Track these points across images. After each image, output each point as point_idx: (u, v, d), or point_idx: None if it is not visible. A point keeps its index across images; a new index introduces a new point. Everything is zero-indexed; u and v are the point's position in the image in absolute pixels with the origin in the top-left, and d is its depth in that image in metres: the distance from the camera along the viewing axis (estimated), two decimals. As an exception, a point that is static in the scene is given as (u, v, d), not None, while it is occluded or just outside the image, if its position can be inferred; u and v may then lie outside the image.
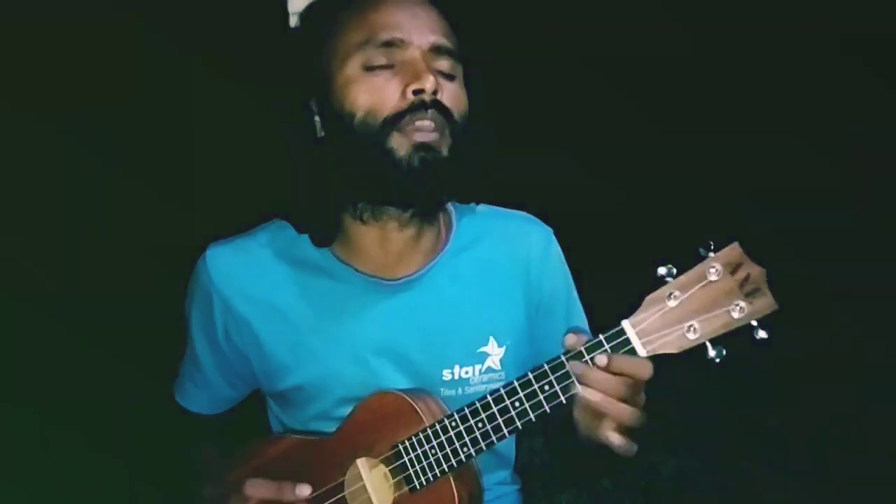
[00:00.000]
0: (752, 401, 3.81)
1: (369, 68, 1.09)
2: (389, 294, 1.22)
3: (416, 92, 1.07)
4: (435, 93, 1.08)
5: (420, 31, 1.11)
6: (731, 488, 3.12)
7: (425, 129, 1.08)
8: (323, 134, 1.15)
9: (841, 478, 3.10)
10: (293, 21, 1.20)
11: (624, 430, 0.99)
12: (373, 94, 1.08)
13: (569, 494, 2.97)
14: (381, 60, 1.09)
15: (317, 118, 1.15)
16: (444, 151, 1.10)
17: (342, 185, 1.15)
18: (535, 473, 3.01)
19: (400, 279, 1.22)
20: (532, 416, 1.03)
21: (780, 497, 3.02)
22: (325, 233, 1.20)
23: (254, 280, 1.23)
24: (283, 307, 1.22)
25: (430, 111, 1.08)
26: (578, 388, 1.00)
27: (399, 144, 1.08)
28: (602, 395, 0.97)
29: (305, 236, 1.22)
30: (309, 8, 1.19)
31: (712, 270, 0.94)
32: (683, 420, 3.57)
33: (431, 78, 1.07)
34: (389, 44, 1.09)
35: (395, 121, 1.07)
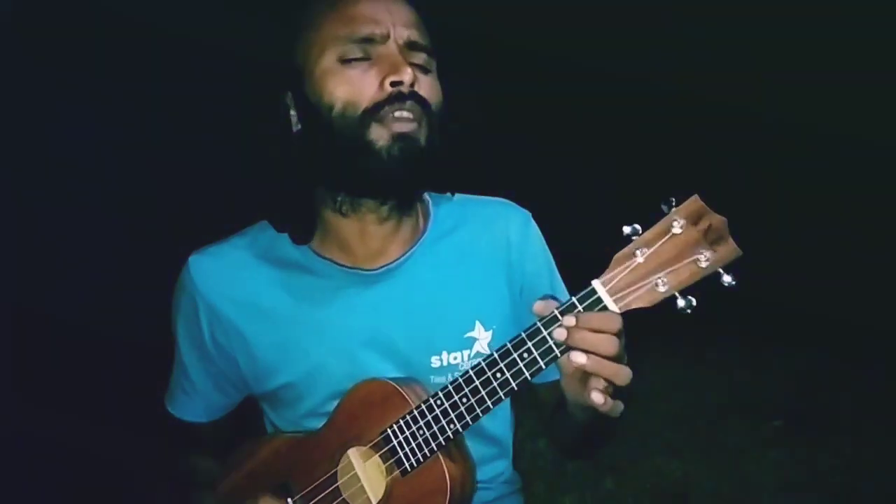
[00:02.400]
0: (756, 403, 3.81)
1: (346, 61, 1.12)
2: (370, 284, 1.23)
3: (393, 84, 1.10)
4: (412, 84, 1.12)
5: (397, 27, 1.14)
6: (735, 491, 3.11)
7: (404, 119, 1.11)
8: (299, 128, 1.17)
9: (845, 481, 3.10)
10: None
11: (610, 391, 0.99)
12: (350, 85, 1.11)
13: (572, 496, 2.96)
14: (358, 54, 1.12)
15: (292, 112, 1.17)
16: (423, 141, 1.13)
17: (321, 178, 1.18)
18: (539, 475, 3.00)
19: (379, 268, 1.24)
20: (514, 384, 1.04)
21: (784, 500, 3.00)
22: (304, 229, 1.22)
23: (237, 283, 1.25)
24: (268, 307, 1.24)
25: (408, 102, 1.11)
26: (559, 353, 1.00)
27: (378, 135, 1.10)
28: (589, 356, 0.96)
29: (284, 235, 1.24)
30: (284, 5, 1.23)
31: (675, 223, 0.96)
32: (687, 422, 3.57)
33: (409, 70, 1.11)
34: (368, 39, 1.12)
35: (374, 112, 1.10)
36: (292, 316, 1.23)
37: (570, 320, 0.97)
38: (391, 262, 1.24)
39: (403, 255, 1.25)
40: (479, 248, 1.30)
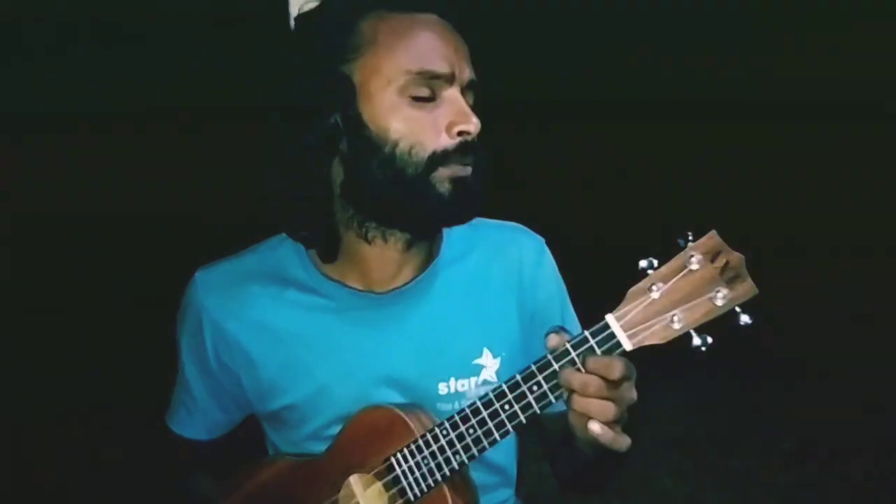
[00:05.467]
0: (767, 425, 3.78)
1: (413, 98, 1.09)
2: (379, 307, 1.22)
3: (460, 133, 1.10)
4: (477, 135, 1.11)
5: (461, 66, 1.12)
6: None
7: (466, 164, 1.11)
8: (344, 146, 1.13)
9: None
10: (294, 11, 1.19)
11: (611, 425, 0.98)
12: (418, 126, 1.09)
13: (577, 520, 2.92)
14: (426, 92, 1.10)
15: (340, 129, 1.12)
16: (478, 184, 1.13)
17: (357, 204, 1.15)
18: (543, 501, 2.96)
19: (388, 291, 1.22)
20: (522, 418, 1.02)
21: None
22: (330, 245, 1.19)
23: (243, 301, 1.23)
24: (274, 326, 1.22)
25: (472, 153, 1.11)
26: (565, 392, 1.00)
27: (441, 177, 1.10)
28: (577, 396, 0.97)
29: (293, 256, 1.23)
30: (330, 7, 1.16)
31: (692, 260, 0.94)
32: (695, 445, 3.54)
33: (476, 121, 1.10)
34: (437, 77, 1.10)
35: (442, 158, 1.09)
36: (298, 337, 1.22)
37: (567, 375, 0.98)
38: (401, 286, 1.22)
39: (414, 278, 1.23)
40: (491, 273, 1.28)
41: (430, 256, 1.26)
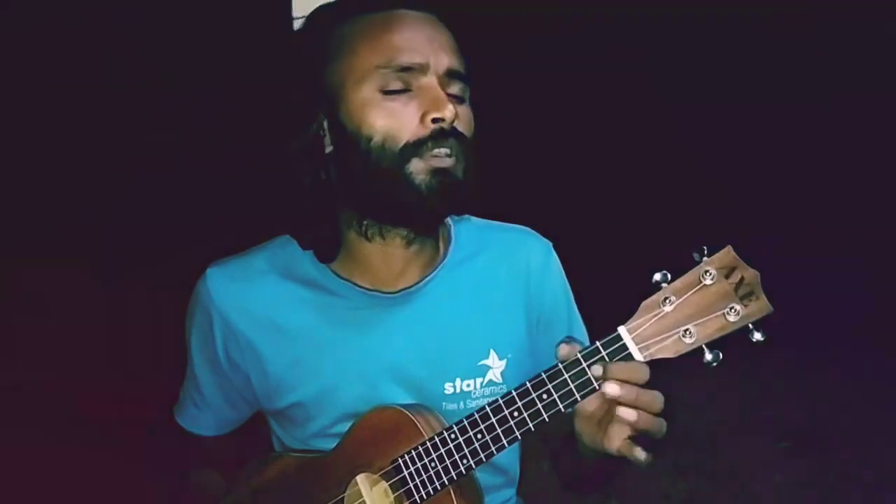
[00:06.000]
0: (763, 424, 3.79)
1: (386, 92, 1.10)
2: (388, 307, 1.22)
3: (435, 120, 1.09)
4: (453, 121, 1.10)
5: (437, 55, 1.11)
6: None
7: (443, 155, 1.10)
8: (331, 149, 1.15)
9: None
10: (297, 24, 1.21)
11: (643, 441, 0.99)
12: (391, 118, 1.09)
13: (576, 518, 2.93)
14: (399, 85, 1.10)
15: (323, 133, 1.15)
16: (460, 174, 1.12)
17: (351, 203, 1.16)
18: (543, 499, 2.98)
19: (398, 292, 1.22)
20: (531, 425, 1.02)
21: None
22: (329, 248, 1.20)
23: (254, 298, 1.24)
24: (283, 324, 1.23)
25: (449, 139, 1.10)
26: (579, 397, 0.99)
27: (417, 169, 1.09)
28: (639, 413, 0.98)
29: (304, 254, 1.23)
30: (313, 21, 1.19)
31: (706, 274, 0.94)
32: (693, 443, 3.54)
33: (451, 107, 1.09)
34: (408, 68, 1.10)
35: (416, 147, 1.09)
36: (307, 334, 1.22)
37: (597, 370, 0.97)
38: (410, 286, 1.23)
39: (423, 279, 1.24)
40: (499, 275, 1.29)
41: (437, 257, 1.27)
